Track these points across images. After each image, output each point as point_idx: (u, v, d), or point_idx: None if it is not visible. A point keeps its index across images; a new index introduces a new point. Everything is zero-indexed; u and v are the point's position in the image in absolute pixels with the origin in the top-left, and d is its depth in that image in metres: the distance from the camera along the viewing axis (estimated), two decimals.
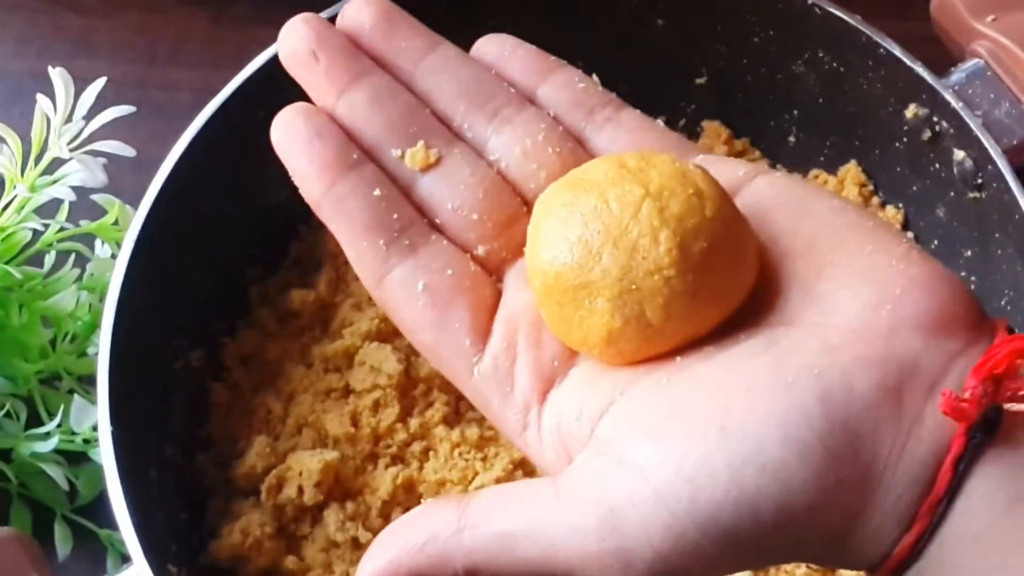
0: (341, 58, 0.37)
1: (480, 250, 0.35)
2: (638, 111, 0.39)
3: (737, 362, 0.32)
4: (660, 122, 0.39)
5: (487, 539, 0.31)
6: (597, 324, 0.32)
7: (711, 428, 0.30)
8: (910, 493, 0.30)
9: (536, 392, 0.34)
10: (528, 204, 0.36)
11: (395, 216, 0.35)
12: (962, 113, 0.56)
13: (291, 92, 0.59)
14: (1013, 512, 0.30)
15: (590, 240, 0.32)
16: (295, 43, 0.37)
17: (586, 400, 0.33)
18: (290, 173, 0.35)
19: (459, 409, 0.58)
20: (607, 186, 0.33)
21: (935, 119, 0.58)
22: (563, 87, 0.38)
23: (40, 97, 0.59)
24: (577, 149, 0.37)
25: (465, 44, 0.63)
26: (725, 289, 0.33)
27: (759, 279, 0.33)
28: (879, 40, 0.58)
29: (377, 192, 0.35)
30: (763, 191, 0.35)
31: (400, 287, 0.34)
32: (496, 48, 0.39)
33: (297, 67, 0.37)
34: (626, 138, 0.37)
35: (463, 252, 0.35)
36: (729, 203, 0.33)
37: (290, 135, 0.35)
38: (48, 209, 0.60)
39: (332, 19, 0.59)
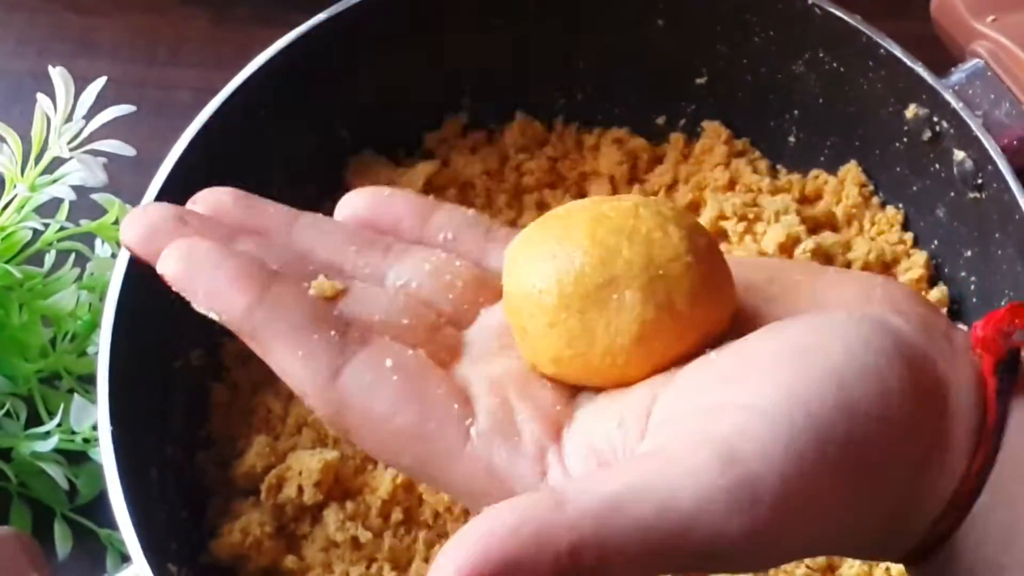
0: (210, 220, 0.35)
1: (420, 353, 0.34)
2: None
3: (783, 327, 0.32)
4: None
5: (593, 505, 0.28)
6: (628, 319, 0.32)
7: (797, 351, 0.31)
8: (970, 420, 0.32)
9: (549, 433, 0.32)
10: (444, 316, 0.35)
11: (337, 314, 0.33)
12: (962, 113, 0.56)
13: (291, 92, 0.59)
14: None
15: (604, 240, 0.32)
16: (148, 221, 0.34)
17: (624, 408, 0.32)
18: (201, 301, 0.33)
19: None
20: (594, 206, 0.34)
21: (935, 119, 0.58)
22: (452, 213, 0.38)
23: (40, 96, 0.59)
24: (480, 264, 0.37)
25: (467, 43, 0.63)
26: (725, 288, 0.34)
27: (739, 314, 0.34)
28: (879, 40, 0.58)
29: (313, 289, 0.34)
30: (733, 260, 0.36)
31: (364, 373, 0.32)
32: (368, 198, 0.38)
33: (161, 238, 0.34)
34: None
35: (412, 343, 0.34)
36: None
37: (193, 260, 0.33)
38: (48, 208, 0.60)
39: (329, 22, 0.60)
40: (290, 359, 0.32)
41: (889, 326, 0.32)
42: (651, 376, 0.33)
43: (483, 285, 0.36)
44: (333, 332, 0.32)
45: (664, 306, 0.32)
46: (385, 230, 0.37)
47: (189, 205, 0.36)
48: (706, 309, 0.33)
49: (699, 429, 0.30)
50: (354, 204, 0.37)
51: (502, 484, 0.32)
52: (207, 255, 0.33)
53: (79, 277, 0.60)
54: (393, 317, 0.34)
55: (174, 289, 0.33)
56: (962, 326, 0.60)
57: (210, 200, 0.36)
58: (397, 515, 0.55)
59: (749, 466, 0.29)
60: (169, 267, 0.33)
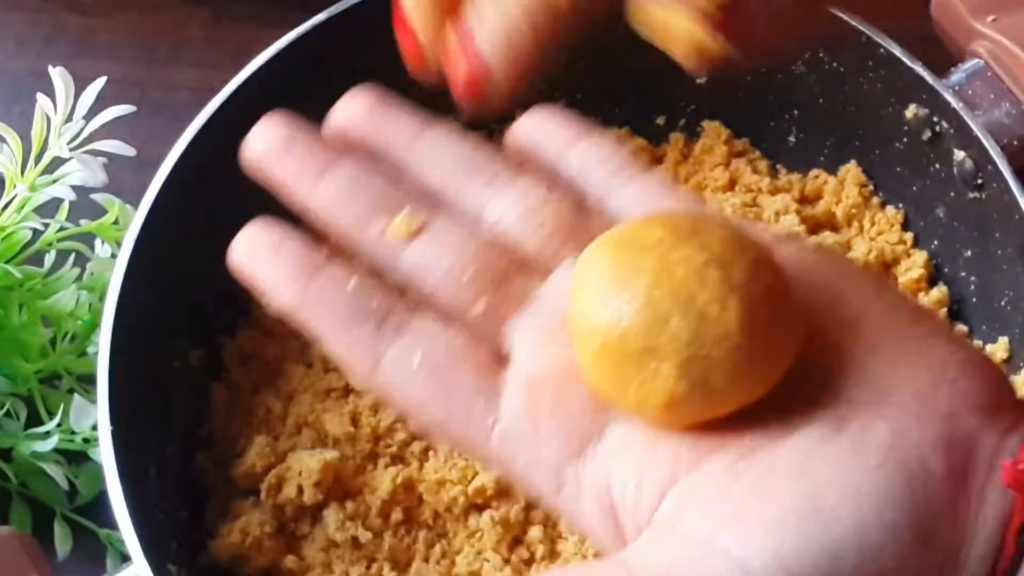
0: (315, 145, 0.36)
1: (475, 310, 0.34)
2: (662, 173, 0.38)
3: (813, 443, 0.31)
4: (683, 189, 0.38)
5: None
6: (659, 388, 0.32)
7: (806, 512, 0.30)
8: (982, 570, 0.30)
9: (571, 449, 0.32)
10: (527, 262, 0.35)
11: (375, 303, 0.34)
12: (962, 113, 0.56)
13: (292, 92, 0.59)
14: None
15: (657, 305, 0.32)
16: (267, 139, 0.36)
17: (645, 470, 0.32)
18: (258, 288, 0.35)
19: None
20: (666, 249, 0.33)
21: (935, 119, 0.58)
22: (589, 149, 0.38)
23: (40, 96, 0.59)
24: (581, 212, 0.36)
25: None
26: (781, 354, 0.33)
27: (804, 347, 0.33)
28: (879, 40, 0.58)
29: (353, 283, 0.34)
30: (799, 259, 0.34)
31: (395, 369, 0.33)
32: (535, 119, 0.38)
33: (270, 161, 0.36)
34: (647, 200, 0.36)
35: (454, 319, 0.34)
36: (781, 270, 0.33)
37: (253, 250, 0.35)
38: (48, 208, 0.60)
39: (329, 22, 0.60)
40: (336, 350, 0.34)
41: (915, 485, 0.30)
42: (687, 430, 0.32)
43: (577, 231, 0.35)
44: (372, 323, 0.33)
45: (698, 384, 0.31)
46: (526, 149, 0.37)
47: (331, 114, 0.37)
48: (743, 388, 0.32)
49: (685, 567, 0.30)
50: (529, 123, 0.38)
51: (523, 482, 0.32)
52: (264, 244, 0.35)
53: (79, 277, 0.60)
54: (456, 271, 0.34)
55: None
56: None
57: (348, 110, 0.37)
58: (397, 515, 0.55)
59: None
60: (235, 256, 0.35)
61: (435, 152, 0.37)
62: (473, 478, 0.55)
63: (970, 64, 0.58)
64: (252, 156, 0.36)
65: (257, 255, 0.34)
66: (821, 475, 0.30)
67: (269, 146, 0.36)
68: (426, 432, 0.33)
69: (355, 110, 0.37)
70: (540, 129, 0.38)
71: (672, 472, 0.31)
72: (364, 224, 0.35)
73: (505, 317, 0.34)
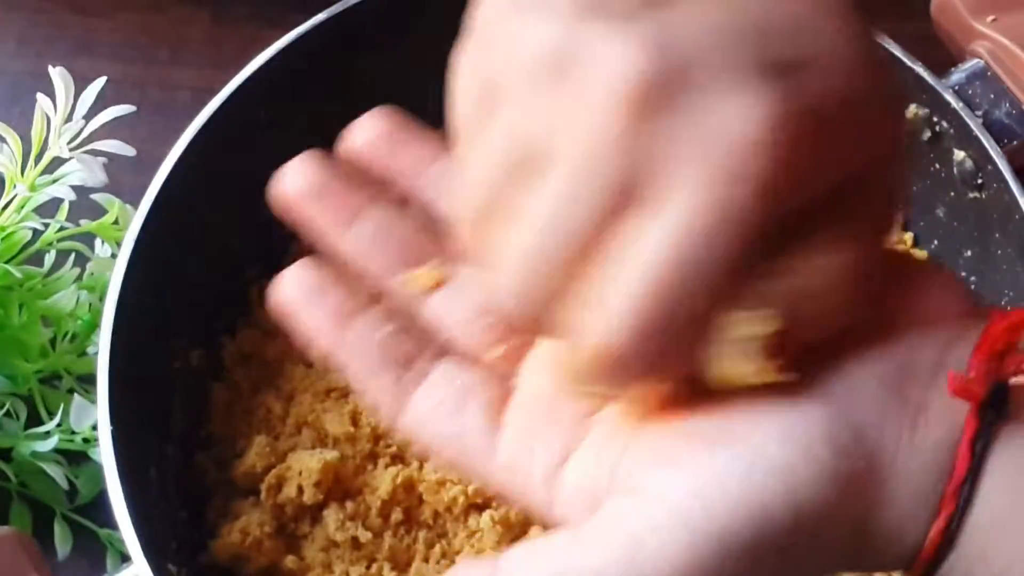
0: (346, 192, 0.36)
1: (492, 355, 0.35)
2: None
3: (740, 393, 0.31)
4: None
5: None
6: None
7: (718, 444, 0.30)
8: (929, 479, 0.30)
9: (557, 458, 0.33)
10: None
11: (405, 350, 0.35)
12: (962, 113, 0.56)
13: (292, 92, 0.59)
14: None
15: None
16: (301, 181, 0.36)
17: (604, 449, 0.33)
18: (299, 327, 0.36)
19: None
20: None
21: (935, 119, 0.58)
22: None
23: (40, 96, 0.59)
24: None
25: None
26: None
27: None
28: (879, 40, 0.58)
29: (386, 330, 0.35)
30: None
31: (417, 413, 0.35)
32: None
33: (300, 205, 0.36)
34: None
35: (473, 361, 0.35)
36: None
37: (296, 293, 0.36)
38: (48, 208, 0.60)
39: (329, 22, 0.60)
40: (369, 396, 0.35)
41: (833, 403, 0.30)
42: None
43: None
44: (398, 371, 0.35)
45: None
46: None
47: (347, 137, 0.37)
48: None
49: (618, 513, 0.30)
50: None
51: (526, 501, 0.34)
52: (305, 287, 0.35)
53: (79, 277, 0.60)
54: (473, 322, 0.35)
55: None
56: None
57: (365, 135, 0.37)
58: (397, 515, 0.55)
59: (646, 567, 0.29)
60: (279, 295, 0.36)
61: (445, 184, 0.37)
62: None
63: (970, 64, 0.58)
64: (283, 196, 0.36)
65: (300, 300, 0.35)
66: (740, 410, 0.31)
67: (303, 190, 0.36)
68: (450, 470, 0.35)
69: (372, 135, 0.37)
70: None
71: (625, 442, 0.32)
72: (391, 272, 0.36)
73: (521, 357, 0.35)
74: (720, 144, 0.27)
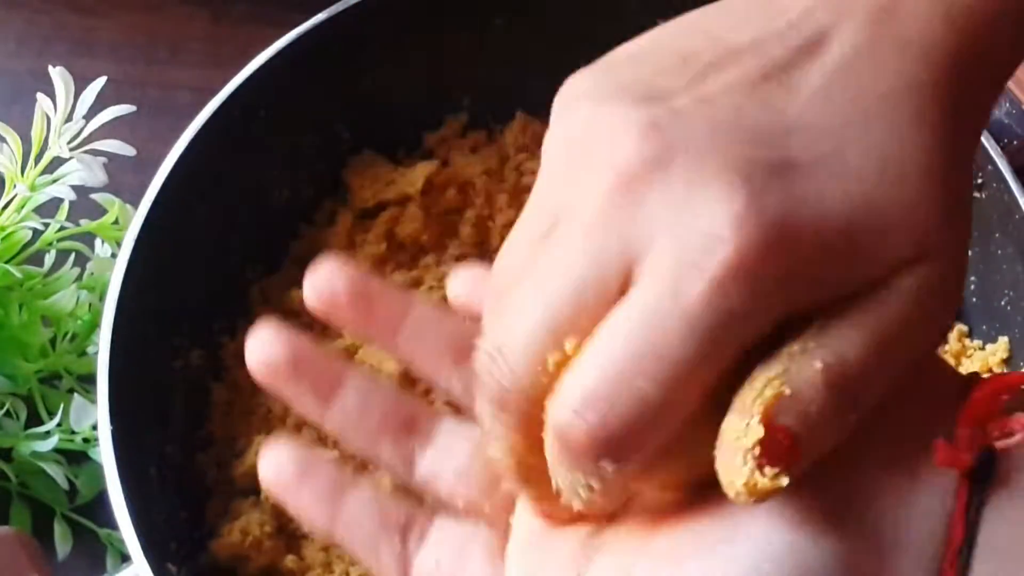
0: (321, 365, 0.35)
1: (487, 508, 0.35)
2: None
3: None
4: None
5: None
6: None
7: (721, 543, 0.29)
8: (928, 548, 0.30)
9: None
10: None
11: (398, 515, 0.35)
12: None
13: (292, 92, 0.59)
14: None
15: None
16: (273, 354, 0.35)
17: (615, 569, 0.32)
18: (289, 509, 0.36)
19: (459, 409, 0.58)
20: None
21: None
22: None
23: (40, 96, 0.59)
24: None
25: (467, 43, 0.63)
26: None
27: None
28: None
29: (379, 499, 0.35)
30: None
31: (425, 573, 0.35)
32: (470, 279, 0.37)
33: (281, 384, 0.35)
34: None
35: (469, 513, 0.35)
36: None
37: (281, 476, 0.35)
38: (48, 208, 0.60)
39: (329, 22, 0.60)
40: (370, 564, 0.35)
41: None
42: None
43: None
44: (397, 536, 0.35)
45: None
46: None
47: (309, 280, 0.35)
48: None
49: None
50: (460, 278, 0.37)
51: None
52: (293, 472, 0.35)
53: (79, 277, 0.60)
54: (465, 479, 0.35)
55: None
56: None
57: (326, 291, 0.35)
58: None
59: None
60: (264, 476, 0.35)
61: (421, 337, 0.36)
62: None
63: None
64: (259, 371, 0.35)
65: (285, 481, 0.35)
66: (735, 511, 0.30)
67: (277, 364, 0.35)
68: None
69: (335, 293, 0.35)
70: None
71: (633, 558, 0.31)
72: (378, 441, 0.36)
73: (514, 501, 0.35)
74: (684, 234, 0.26)
